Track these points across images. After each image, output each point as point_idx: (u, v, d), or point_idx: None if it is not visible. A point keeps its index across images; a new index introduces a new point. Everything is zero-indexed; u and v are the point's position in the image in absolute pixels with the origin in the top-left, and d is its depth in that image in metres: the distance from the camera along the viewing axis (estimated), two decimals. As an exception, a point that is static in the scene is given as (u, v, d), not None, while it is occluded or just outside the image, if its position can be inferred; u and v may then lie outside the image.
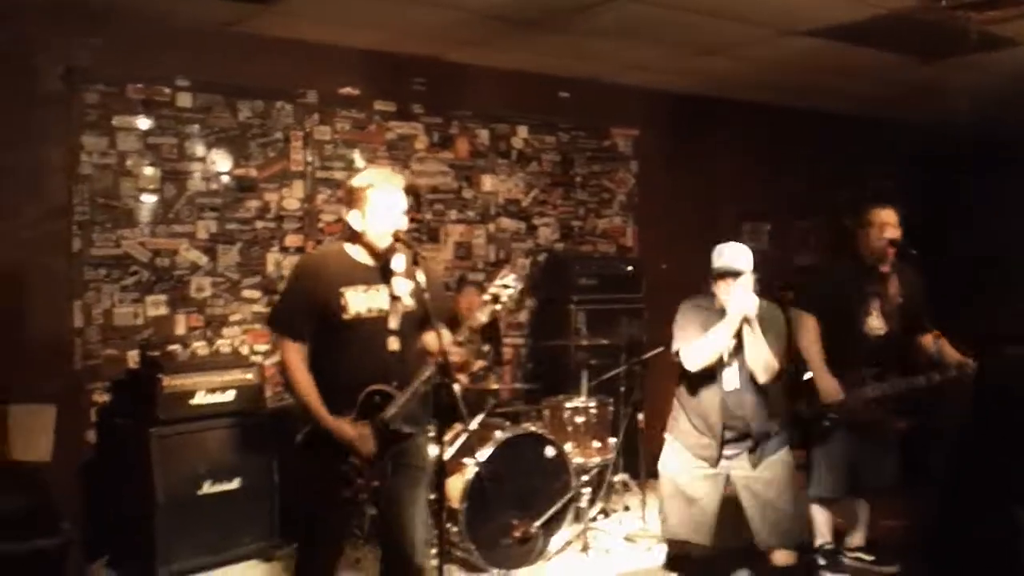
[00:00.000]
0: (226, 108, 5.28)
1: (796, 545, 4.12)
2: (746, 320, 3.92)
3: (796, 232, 7.70)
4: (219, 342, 5.19)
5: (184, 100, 5.16)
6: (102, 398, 4.93)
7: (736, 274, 3.95)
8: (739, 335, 3.97)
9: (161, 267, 5.10)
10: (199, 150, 5.20)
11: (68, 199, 4.85)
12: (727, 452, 4.07)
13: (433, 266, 3.69)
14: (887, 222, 4.46)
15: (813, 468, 4.59)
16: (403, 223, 3.41)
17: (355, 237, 3.42)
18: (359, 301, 3.34)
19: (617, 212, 6.79)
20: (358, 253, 3.42)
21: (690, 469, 4.14)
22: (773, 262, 7.21)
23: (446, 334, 3.42)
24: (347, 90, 5.66)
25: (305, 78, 5.52)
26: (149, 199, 5.06)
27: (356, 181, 3.44)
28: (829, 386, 4.43)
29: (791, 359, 4.57)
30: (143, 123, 5.04)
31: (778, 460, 4.09)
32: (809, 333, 4.50)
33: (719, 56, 5.76)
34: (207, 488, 4.65)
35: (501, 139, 6.26)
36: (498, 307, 3.40)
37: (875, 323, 4.49)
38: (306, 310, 3.36)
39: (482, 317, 3.38)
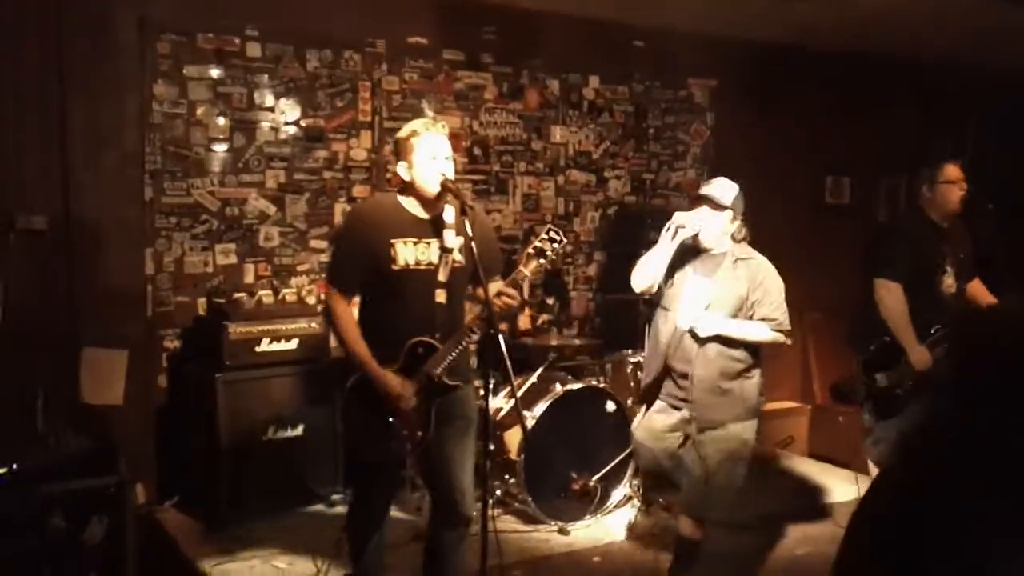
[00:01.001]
0: (295, 58, 5.29)
1: (713, 519, 3.86)
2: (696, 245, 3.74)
3: (881, 187, 7.38)
4: (285, 291, 5.25)
5: (254, 50, 5.18)
6: (173, 344, 5.06)
7: (714, 204, 3.70)
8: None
9: (230, 216, 5.17)
10: (268, 100, 5.23)
11: (141, 148, 4.95)
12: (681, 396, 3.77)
13: (482, 217, 3.64)
14: (959, 177, 4.36)
15: (881, 439, 4.44)
16: (450, 170, 3.36)
17: (406, 188, 3.40)
18: (408, 253, 3.32)
19: (691, 165, 6.61)
20: (411, 205, 3.40)
21: (659, 406, 3.90)
22: (854, 217, 6.99)
23: (494, 286, 3.40)
24: (416, 39, 5.61)
25: (374, 27, 5.48)
26: (219, 148, 5.13)
27: (402, 132, 3.40)
28: (921, 357, 4.26)
29: (870, 330, 4.41)
30: (213, 72, 5.09)
31: (728, 435, 3.73)
32: (898, 303, 4.30)
33: (800, 1, 5.50)
34: (271, 434, 4.74)
35: (572, 90, 6.13)
36: (543, 261, 3.34)
37: (949, 281, 4.37)
38: (357, 261, 3.36)
39: (526, 271, 3.33)
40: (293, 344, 4.83)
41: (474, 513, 3.46)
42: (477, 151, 5.81)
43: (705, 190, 3.78)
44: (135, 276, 4.98)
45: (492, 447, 4.76)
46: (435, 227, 3.38)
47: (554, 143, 6.08)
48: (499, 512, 4.84)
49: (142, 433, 5.00)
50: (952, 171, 4.41)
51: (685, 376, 3.73)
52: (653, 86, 6.41)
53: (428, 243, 3.36)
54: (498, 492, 4.86)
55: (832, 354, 6.71)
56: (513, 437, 4.73)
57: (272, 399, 4.76)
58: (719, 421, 3.72)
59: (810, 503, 5.32)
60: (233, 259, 5.20)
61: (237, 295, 5.04)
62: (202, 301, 5.08)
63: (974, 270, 4.58)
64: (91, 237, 4.85)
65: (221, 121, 5.12)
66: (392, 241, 3.31)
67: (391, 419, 3.32)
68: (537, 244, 3.35)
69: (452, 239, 3.37)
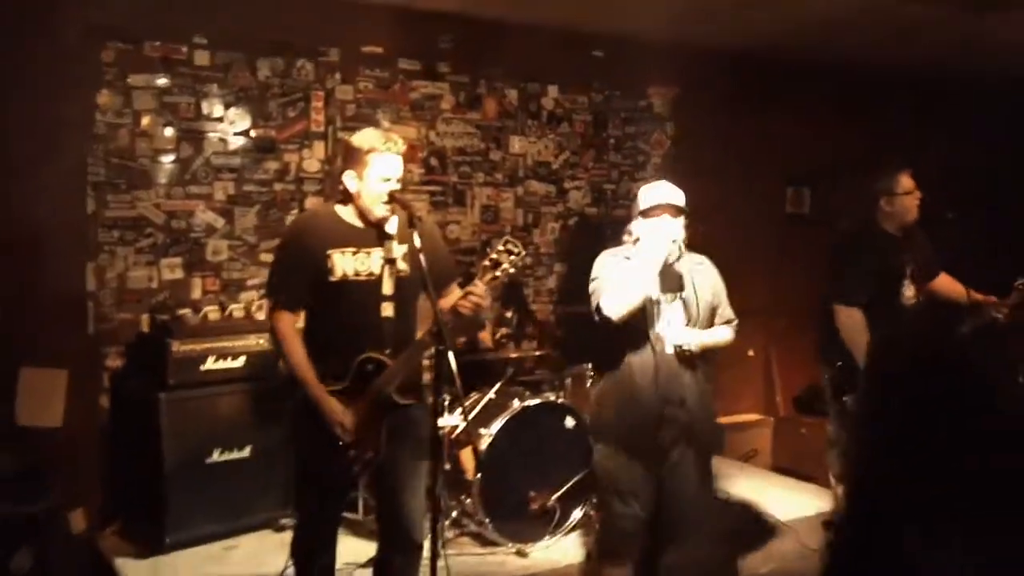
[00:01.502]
0: (245, 66, 5.13)
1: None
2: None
3: (840, 198, 7.33)
4: (232, 307, 5.07)
5: (202, 58, 5.02)
6: (116, 363, 4.87)
7: (675, 209, 3.38)
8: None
9: (177, 229, 5.00)
10: (217, 109, 5.07)
11: (83, 159, 4.77)
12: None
13: (432, 228, 3.51)
14: (913, 187, 4.33)
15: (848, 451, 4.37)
16: (397, 186, 3.24)
17: (348, 198, 3.28)
18: (347, 263, 3.21)
19: (652, 175, 6.48)
20: (349, 215, 3.29)
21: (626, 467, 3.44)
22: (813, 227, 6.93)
23: (450, 299, 3.29)
24: (371, 48, 5.47)
25: (327, 35, 5.34)
26: (165, 159, 4.96)
27: (357, 140, 3.27)
28: None
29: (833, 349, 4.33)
30: (160, 81, 4.92)
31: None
32: (859, 329, 4.18)
33: (759, 9, 5.43)
34: (217, 456, 4.58)
35: (531, 99, 6.02)
36: (499, 274, 3.22)
37: (908, 292, 4.32)
38: (295, 275, 3.25)
39: (482, 283, 3.21)
40: (240, 362, 4.66)
41: (424, 539, 3.33)
42: (434, 162, 5.68)
43: (663, 197, 3.41)
44: (76, 291, 4.79)
45: (448, 466, 4.66)
46: (376, 236, 3.26)
47: (513, 153, 5.96)
48: (455, 534, 4.70)
49: (84, 455, 4.80)
50: (907, 181, 4.37)
51: (683, 402, 3.41)
52: (613, 95, 6.31)
53: (368, 252, 3.24)
54: (454, 513, 4.71)
55: (796, 363, 6.65)
56: (469, 456, 4.58)
57: (218, 419, 4.59)
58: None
59: (773, 519, 5.22)
60: (179, 274, 5.02)
61: (182, 311, 4.85)
62: (146, 317, 4.89)
63: (933, 267, 4.54)
64: (29, 251, 4.65)
65: (167, 131, 4.95)
66: (329, 252, 3.20)
67: (337, 438, 3.18)
68: (493, 256, 3.24)
69: (395, 249, 3.25)
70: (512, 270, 3.27)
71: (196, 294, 5.05)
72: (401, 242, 3.25)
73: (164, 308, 4.85)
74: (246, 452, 4.63)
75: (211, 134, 5.06)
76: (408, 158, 5.49)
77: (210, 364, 4.59)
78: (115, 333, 4.86)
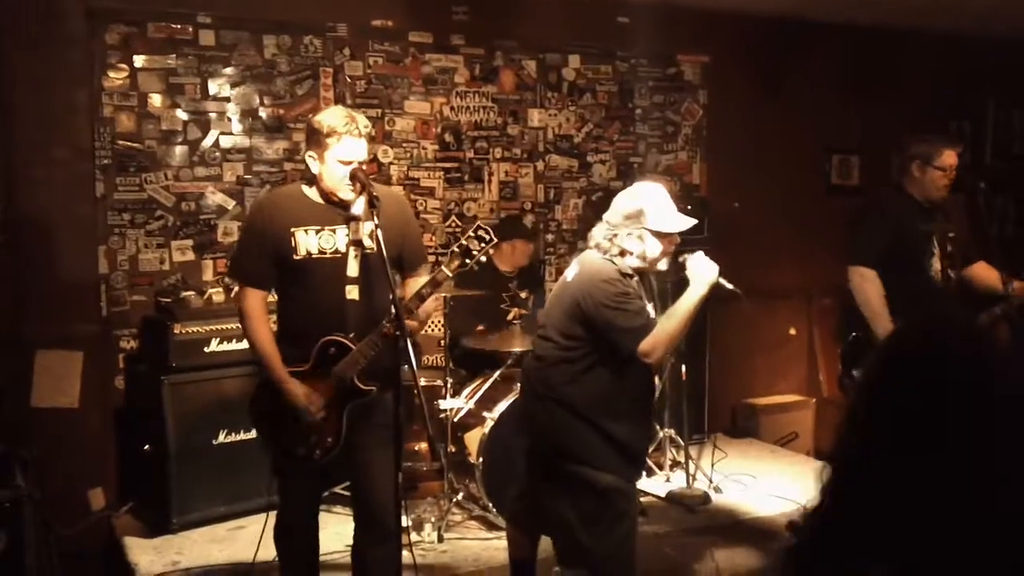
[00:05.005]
0: (251, 45, 5.08)
1: None
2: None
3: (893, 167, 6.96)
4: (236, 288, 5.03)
5: (207, 38, 4.98)
6: (130, 344, 4.90)
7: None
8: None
9: (187, 212, 5.00)
10: (224, 89, 5.03)
11: (91, 143, 4.79)
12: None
13: (402, 207, 3.40)
14: (952, 166, 4.06)
15: None
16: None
17: (312, 180, 3.20)
18: (311, 241, 3.15)
19: (682, 147, 6.26)
20: (315, 194, 3.21)
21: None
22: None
23: (416, 282, 3.20)
24: (380, 21, 5.36)
25: (335, 10, 5.25)
26: (173, 141, 4.94)
27: (318, 121, 3.16)
28: None
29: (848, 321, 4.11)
30: (166, 62, 4.90)
31: None
32: (873, 290, 4.00)
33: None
34: (223, 438, 4.56)
35: (550, 70, 5.82)
36: (468, 261, 3.10)
37: (936, 265, 4.06)
38: (259, 253, 3.20)
39: (447, 270, 3.09)
40: (245, 344, 4.59)
41: (402, 525, 3.23)
42: (449, 138, 5.55)
43: (686, 225, 3.21)
44: (88, 275, 4.83)
45: (452, 449, 4.57)
46: (341, 215, 3.17)
47: (532, 127, 5.79)
48: (460, 518, 4.61)
49: (100, 436, 4.87)
50: (949, 158, 4.09)
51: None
52: (639, 64, 6.06)
53: (332, 231, 3.17)
54: (459, 496, 4.62)
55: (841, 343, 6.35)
56: (473, 438, 4.48)
57: (224, 401, 4.56)
58: None
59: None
60: (190, 256, 5.02)
61: (186, 293, 4.84)
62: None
63: (972, 252, 4.27)
64: (41, 235, 4.71)
65: (175, 113, 4.93)
66: (293, 230, 3.14)
67: (299, 424, 3.11)
68: (463, 242, 3.14)
69: (361, 230, 3.15)
70: (483, 259, 3.16)
71: (208, 276, 5.05)
72: (366, 220, 3.15)
73: (166, 291, 4.84)
74: (252, 434, 4.56)
75: (219, 114, 5.03)
76: (422, 134, 5.49)
77: (214, 347, 4.57)
78: (128, 316, 4.89)
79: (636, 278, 3.23)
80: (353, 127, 3.10)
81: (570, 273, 3.33)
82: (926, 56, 6.67)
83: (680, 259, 3.30)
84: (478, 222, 3.21)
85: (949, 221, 4.17)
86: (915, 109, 6.47)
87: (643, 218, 3.17)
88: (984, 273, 4.26)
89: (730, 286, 3.28)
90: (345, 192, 3.12)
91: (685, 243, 3.32)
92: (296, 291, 3.18)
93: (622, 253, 3.19)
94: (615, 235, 3.20)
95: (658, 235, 3.19)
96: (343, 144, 3.08)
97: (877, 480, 1.27)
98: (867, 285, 3.98)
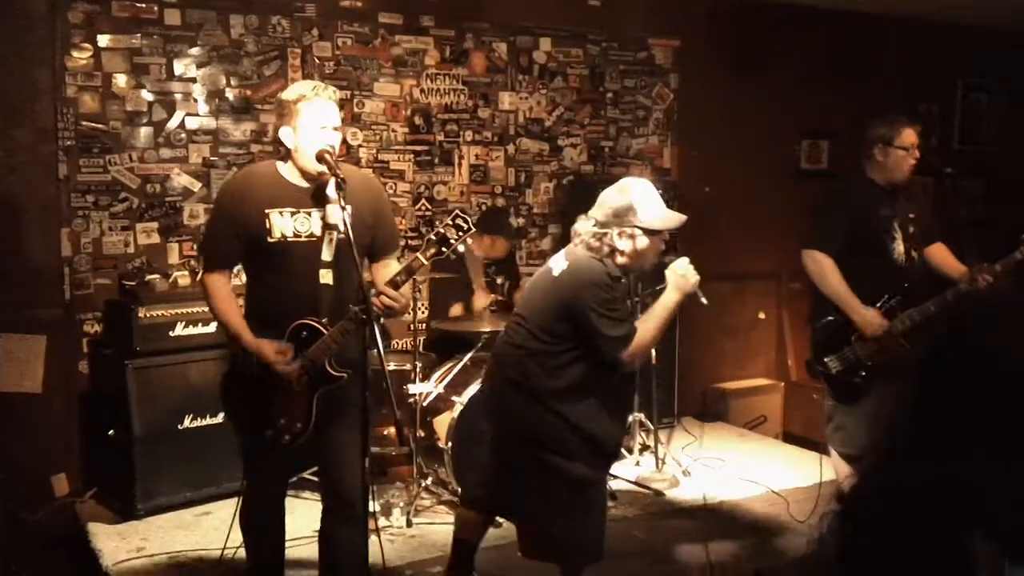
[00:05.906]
0: (218, 25, 5.00)
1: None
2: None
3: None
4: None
5: (173, 17, 4.90)
6: (94, 329, 4.83)
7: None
8: None
9: (152, 194, 4.92)
10: (190, 70, 4.95)
11: (54, 123, 4.70)
12: None
13: (376, 194, 3.34)
14: (914, 144, 4.03)
15: (841, 427, 4.14)
16: (336, 140, 3.11)
17: (288, 155, 3.14)
18: (286, 224, 3.08)
19: (653, 131, 6.26)
20: (290, 173, 3.15)
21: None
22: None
23: (388, 269, 3.17)
24: (350, 2, 5.29)
25: (303, -10, 5.18)
26: (138, 123, 4.86)
27: (287, 94, 3.13)
28: (869, 318, 3.94)
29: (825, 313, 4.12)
30: (130, 42, 4.81)
31: None
32: (828, 273, 4.02)
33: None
34: (188, 423, 4.51)
35: (522, 53, 5.78)
36: (445, 249, 3.05)
37: (899, 248, 4.03)
38: (229, 234, 3.13)
39: (423, 258, 3.05)
40: (212, 328, 4.56)
41: (369, 508, 3.21)
42: (419, 120, 5.50)
43: (677, 219, 3.23)
44: (51, 258, 4.76)
45: (421, 434, 4.55)
46: (315, 198, 3.12)
47: (503, 110, 5.75)
48: (429, 503, 4.59)
49: (64, 421, 4.81)
50: (909, 136, 4.06)
51: None
52: (611, 47, 6.04)
53: (308, 213, 3.11)
54: (428, 481, 4.61)
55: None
56: (443, 423, 4.46)
57: (189, 386, 4.52)
58: None
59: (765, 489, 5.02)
60: (156, 239, 4.95)
61: (150, 277, 4.78)
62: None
63: (933, 234, 4.25)
64: (2, 218, 4.63)
65: (140, 93, 4.85)
66: (267, 211, 3.08)
67: (267, 407, 3.08)
68: (440, 230, 3.07)
69: (336, 213, 3.10)
70: (461, 248, 3.11)
71: (173, 259, 4.99)
72: (342, 205, 3.10)
73: (130, 275, 4.77)
74: (218, 419, 4.54)
75: (185, 95, 4.95)
76: (392, 116, 5.44)
77: (179, 331, 4.52)
78: (92, 299, 4.82)
79: (624, 279, 3.22)
80: (323, 91, 3.08)
81: (556, 266, 3.26)
82: (895, 41, 6.71)
83: (665, 259, 3.30)
84: (456, 210, 3.14)
85: (911, 203, 4.15)
86: (883, 93, 6.48)
87: (633, 215, 3.13)
88: (940, 255, 4.24)
89: (704, 300, 3.23)
90: (319, 165, 3.05)
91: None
92: (269, 275, 3.12)
93: (612, 253, 3.16)
94: (605, 234, 3.15)
95: (648, 232, 3.14)
96: (314, 106, 3.04)
97: (979, 456, 1.25)
98: (823, 271, 4.00)
